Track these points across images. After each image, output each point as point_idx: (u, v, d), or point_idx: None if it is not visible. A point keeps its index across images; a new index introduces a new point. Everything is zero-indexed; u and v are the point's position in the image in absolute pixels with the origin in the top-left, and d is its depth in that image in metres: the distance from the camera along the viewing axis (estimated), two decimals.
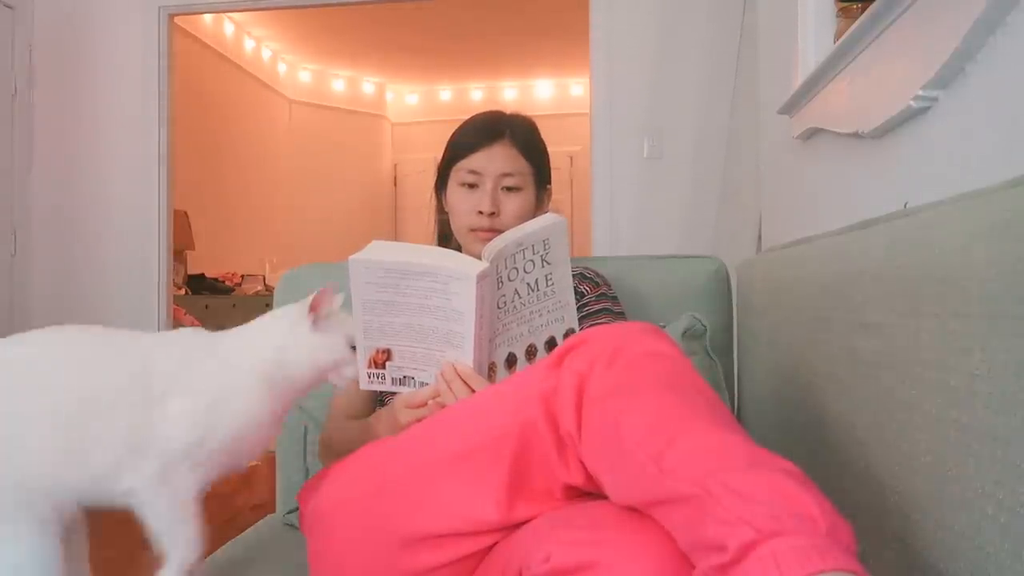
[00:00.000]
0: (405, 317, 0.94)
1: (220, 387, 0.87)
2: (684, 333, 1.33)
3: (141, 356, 0.87)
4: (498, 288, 0.95)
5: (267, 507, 1.47)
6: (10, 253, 3.37)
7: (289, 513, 1.36)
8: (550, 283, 0.99)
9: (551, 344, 1.01)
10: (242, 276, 5.27)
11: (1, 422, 0.81)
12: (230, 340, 0.92)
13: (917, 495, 0.68)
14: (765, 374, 1.32)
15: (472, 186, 1.22)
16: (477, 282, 0.89)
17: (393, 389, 0.99)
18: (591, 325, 1.04)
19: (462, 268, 0.90)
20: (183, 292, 4.54)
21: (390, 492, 0.86)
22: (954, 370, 0.61)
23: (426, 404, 0.97)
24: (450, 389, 0.94)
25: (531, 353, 1.00)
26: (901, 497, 0.71)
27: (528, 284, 0.97)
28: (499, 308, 0.96)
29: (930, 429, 0.65)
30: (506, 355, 0.99)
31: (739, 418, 1.50)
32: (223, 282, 5.03)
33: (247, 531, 1.35)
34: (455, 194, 1.24)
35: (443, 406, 0.94)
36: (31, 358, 0.85)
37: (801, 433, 1.06)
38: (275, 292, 1.49)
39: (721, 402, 0.74)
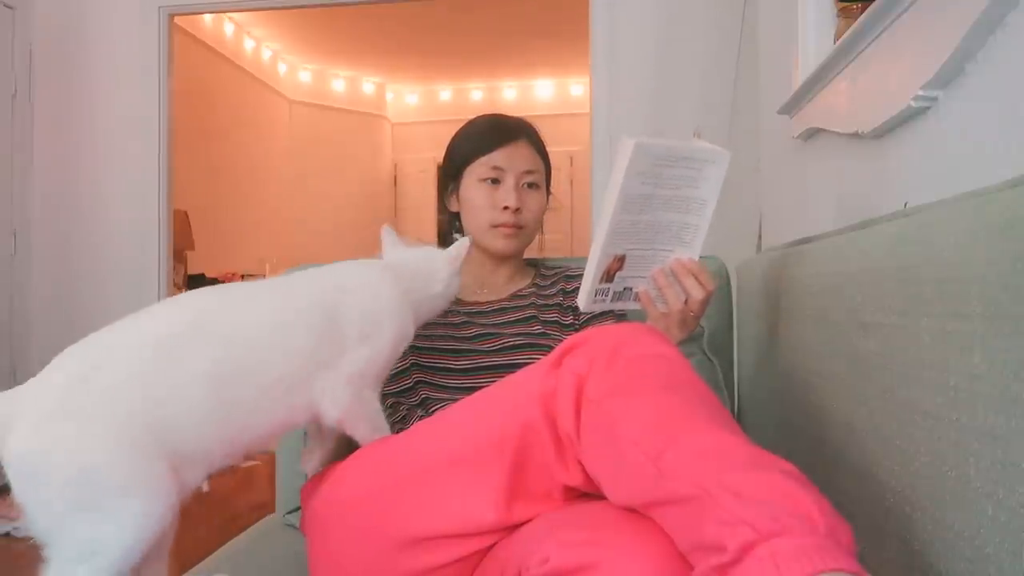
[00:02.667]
0: (651, 214, 0.98)
1: (382, 311, 0.97)
2: None
3: (309, 294, 0.94)
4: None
5: (267, 507, 1.47)
6: (10, 253, 3.37)
7: (289, 513, 1.36)
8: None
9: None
10: (242, 276, 5.26)
11: (163, 387, 0.81)
12: (390, 268, 1.04)
13: (917, 495, 0.68)
14: (765, 374, 1.31)
15: (495, 181, 1.22)
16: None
17: (612, 306, 1.04)
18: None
19: (716, 151, 0.97)
20: (183, 292, 4.54)
21: (389, 493, 0.86)
22: (954, 370, 0.61)
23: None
24: (679, 283, 1.01)
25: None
26: (901, 497, 0.71)
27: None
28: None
29: (930, 429, 0.65)
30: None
31: (739, 418, 1.50)
32: (223, 282, 5.03)
33: (247, 531, 1.35)
34: (475, 190, 1.23)
35: (663, 312, 1.03)
36: (185, 321, 0.87)
37: (801, 433, 1.06)
38: None
39: (720, 403, 0.74)
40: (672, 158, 0.95)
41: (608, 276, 1.00)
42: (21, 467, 0.75)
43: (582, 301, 1.01)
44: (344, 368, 0.91)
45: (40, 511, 0.76)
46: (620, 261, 1.00)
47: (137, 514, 0.77)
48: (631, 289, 1.04)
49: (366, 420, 0.94)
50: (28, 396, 0.77)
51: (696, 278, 1.01)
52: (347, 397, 0.91)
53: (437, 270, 1.05)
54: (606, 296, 1.02)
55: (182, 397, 0.81)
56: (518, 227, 1.22)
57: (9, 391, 0.78)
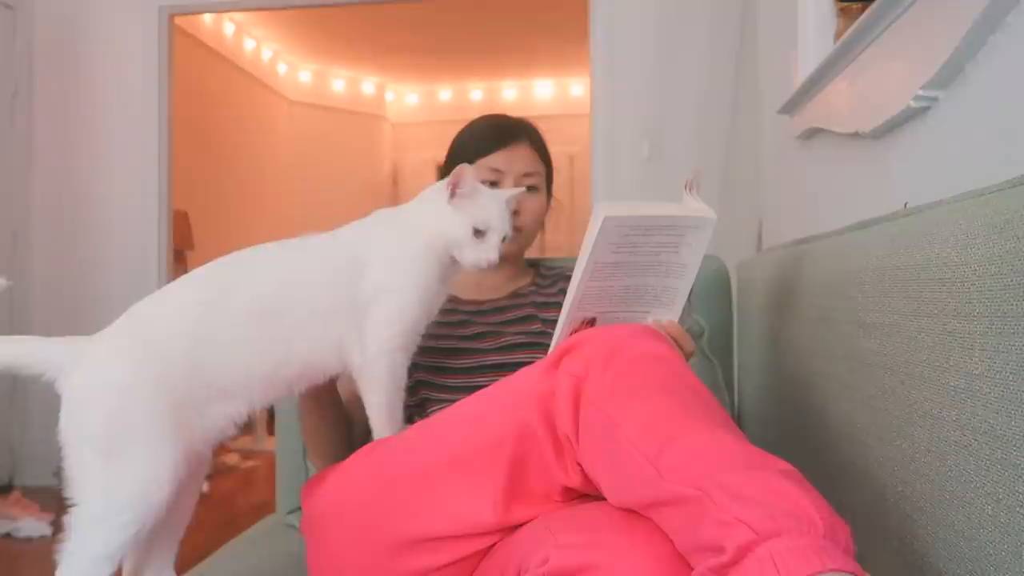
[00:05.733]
0: (627, 279, 0.92)
1: (402, 269, 0.99)
2: None
3: (338, 251, 1.01)
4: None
5: (267, 507, 1.47)
6: (10, 253, 3.37)
7: (289, 513, 1.36)
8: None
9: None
10: None
11: (206, 328, 0.90)
12: (403, 216, 1.05)
13: (917, 495, 0.68)
14: (765, 374, 1.32)
15: (493, 183, 1.22)
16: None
17: None
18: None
19: (699, 216, 0.89)
20: None
21: (388, 494, 0.86)
22: (954, 370, 0.61)
23: None
24: None
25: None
26: (901, 497, 0.71)
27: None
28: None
29: (930, 429, 0.65)
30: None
31: (739, 418, 1.50)
32: None
33: (247, 531, 1.35)
34: None
35: None
36: (226, 270, 0.97)
37: (801, 433, 1.06)
38: None
39: (718, 403, 0.74)
40: (649, 228, 0.88)
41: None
42: (73, 403, 0.85)
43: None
44: (373, 318, 0.96)
45: (76, 451, 0.84)
46: (591, 323, 0.94)
47: (156, 466, 0.84)
48: None
49: (388, 382, 0.97)
50: (94, 344, 0.88)
51: (676, 342, 0.93)
52: (375, 347, 0.96)
53: (438, 210, 1.02)
54: None
55: (223, 333, 0.91)
56: (515, 230, 1.22)
57: (81, 337, 0.88)
